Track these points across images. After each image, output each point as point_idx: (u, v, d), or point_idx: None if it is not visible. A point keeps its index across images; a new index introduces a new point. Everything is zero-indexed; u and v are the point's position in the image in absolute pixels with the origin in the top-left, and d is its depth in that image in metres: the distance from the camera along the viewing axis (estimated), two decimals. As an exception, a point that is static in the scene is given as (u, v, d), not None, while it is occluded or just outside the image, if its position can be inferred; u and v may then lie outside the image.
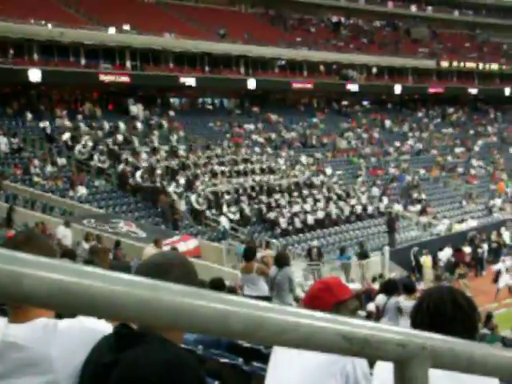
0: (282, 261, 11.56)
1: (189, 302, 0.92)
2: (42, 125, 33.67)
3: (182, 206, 30.21)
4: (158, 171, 32.14)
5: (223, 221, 29.77)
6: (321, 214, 33.14)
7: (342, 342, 1.08)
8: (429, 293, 2.64)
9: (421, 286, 23.68)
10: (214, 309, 0.94)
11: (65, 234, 19.72)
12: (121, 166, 31.81)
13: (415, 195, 39.81)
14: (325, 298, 3.56)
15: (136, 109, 39.23)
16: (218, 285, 10.10)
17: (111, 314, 0.91)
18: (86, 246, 18.43)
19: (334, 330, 1.08)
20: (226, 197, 31.85)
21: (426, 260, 29.86)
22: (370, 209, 35.83)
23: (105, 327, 2.27)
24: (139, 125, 37.58)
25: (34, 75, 35.38)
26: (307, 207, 33.18)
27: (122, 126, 36.23)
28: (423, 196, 40.17)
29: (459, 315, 2.44)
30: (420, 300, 2.63)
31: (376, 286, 21.09)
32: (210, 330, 0.96)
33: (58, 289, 0.84)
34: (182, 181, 31.98)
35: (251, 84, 45.44)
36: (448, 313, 2.44)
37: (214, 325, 0.94)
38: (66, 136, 33.35)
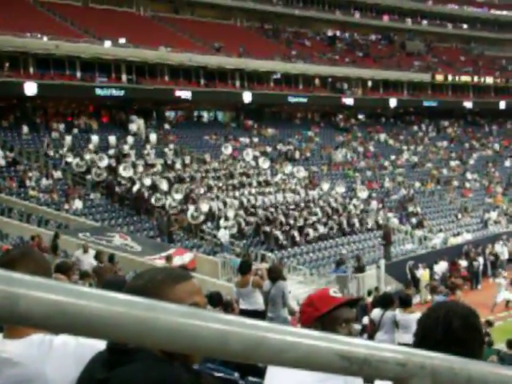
0: (275, 275, 11.49)
1: (187, 322, 0.91)
2: (44, 146, 33.63)
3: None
4: (158, 184, 32.23)
5: (221, 234, 29.64)
6: (316, 228, 33.10)
7: (341, 361, 1.07)
8: (427, 314, 2.54)
9: (416, 300, 23.69)
10: (212, 329, 0.93)
11: (81, 259, 18.79)
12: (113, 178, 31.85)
13: (411, 208, 39.83)
14: (307, 312, 3.46)
15: (136, 126, 39.20)
16: (215, 299, 10.09)
17: (108, 335, 0.90)
18: (95, 264, 18.05)
19: (332, 350, 1.07)
20: (222, 210, 31.79)
21: (424, 273, 29.81)
22: (365, 222, 35.79)
23: (100, 343, 2.25)
24: (135, 138, 37.61)
25: (30, 88, 35.38)
26: (303, 220, 33.13)
27: (116, 139, 36.31)
28: (418, 209, 40.20)
29: (452, 340, 2.34)
30: (418, 320, 2.55)
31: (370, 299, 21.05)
32: (209, 351, 0.95)
33: (54, 310, 0.83)
34: (179, 195, 31.96)
35: (247, 97, 45.51)
36: (438, 337, 2.36)
37: (212, 346, 0.93)
38: (64, 150, 33.41)
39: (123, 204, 31.14)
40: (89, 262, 18.05)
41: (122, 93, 39.78)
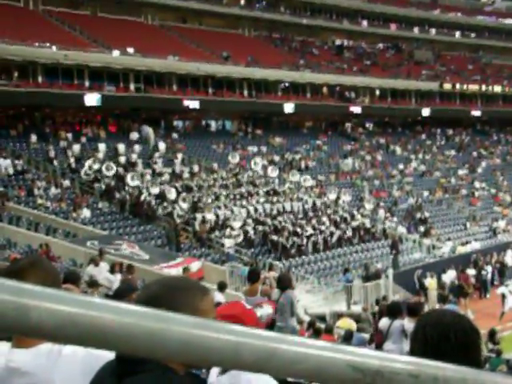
0: (284, 284, 11.43)
1: (199, 333, 0.90)
2: (50, 154, 33.71)
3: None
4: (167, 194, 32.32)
5: (227, 243, 29.68)
6: (324, 237, 33.04)
7: (353, 373, 1.06)
8: (431, 318, 2.47)
9: (425, 309, 23.55)
10: (224, 340, 0.92)
11: (93, 274, 17.63)
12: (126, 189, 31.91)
13: (419, 217, 39.75)
14: None
15: (136, 135, 39.22)
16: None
17: (119, 347, 0.89)
18: (111, 277, 17.04)
19: (345, 361, 1.06)
20: (230, 219, 31.77)
21: (432, 282, 29.71)
22: (373, 231, 35.73)
23: (109, 353, 2.24)
24: (143, 147, 37.66)
25: (39, 98, 35.51)
26: (311, 229, 33.08)
27: (124, 148, 36.35)
28: (427, 218, 40.11)
29: (465, 342, 2.32)
30: (421, 326, 2.45)
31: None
32: (221, 363, 0.94)
33: (65, 321, 0.82)
34: (186, 203, 31.98)
35: (255, 106, 45.58)
36: (457, 342, 2.31)
37: (225, 357, 0.92)
38: (71, 159, 33.50)
39: (124, 210, 31.22)
40: (103, 276, 16.82)
41: (130, 102, 39.89)
